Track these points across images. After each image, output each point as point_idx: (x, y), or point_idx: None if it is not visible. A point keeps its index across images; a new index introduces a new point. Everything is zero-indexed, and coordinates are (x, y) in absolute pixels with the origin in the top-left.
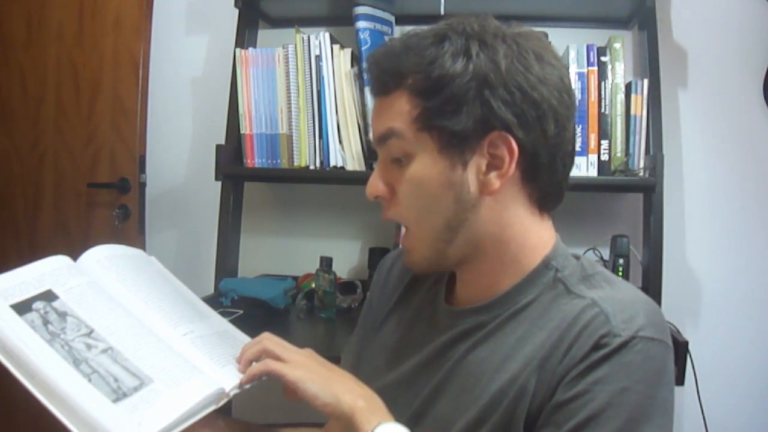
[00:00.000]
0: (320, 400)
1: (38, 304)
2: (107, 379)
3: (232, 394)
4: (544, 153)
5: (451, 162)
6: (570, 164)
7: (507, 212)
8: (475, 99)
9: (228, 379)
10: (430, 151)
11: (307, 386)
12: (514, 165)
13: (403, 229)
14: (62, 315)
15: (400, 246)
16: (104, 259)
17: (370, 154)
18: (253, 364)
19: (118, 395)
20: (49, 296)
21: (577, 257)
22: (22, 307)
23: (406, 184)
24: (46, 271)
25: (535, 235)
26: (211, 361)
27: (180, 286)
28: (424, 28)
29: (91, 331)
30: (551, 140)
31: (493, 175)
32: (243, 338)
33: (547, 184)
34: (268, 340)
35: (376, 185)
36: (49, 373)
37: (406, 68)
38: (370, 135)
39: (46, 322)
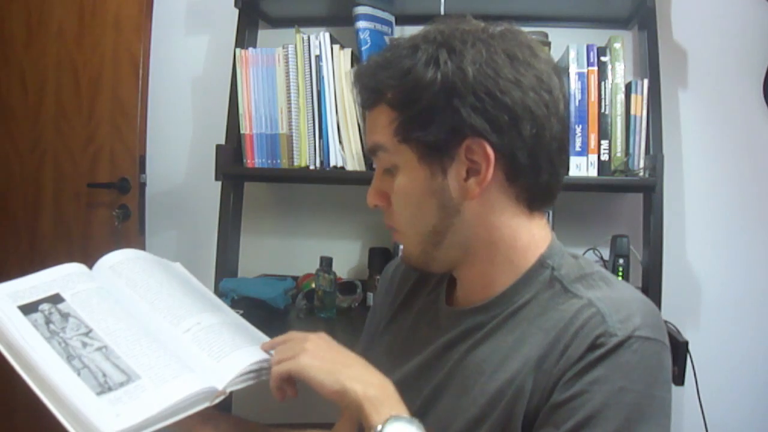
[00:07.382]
0: (326, 388)
1: (44, 306)
2: (96, 374)
3: (228, 390)
4: (523, 155)
5: (431, 171)
6: (560, 163)
7: (493, 214)
8: (445, 108)
9: (224, 375)
10: (411, 162)
11: (312, 374)
12: (491, 170)
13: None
14: (65, 316)
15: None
16: (117, 264)
17: (369, 155)
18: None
19: (103, 389)
20: (55, 299)
21: (575, 256)
22: (28, 308)
23: (395, 194)
24: (58, 277)
25: (525, 235)
26: (209, 356)
27: (200, 286)
28: (406, 37)
29: (90, 331)
30: (529, 141)
31: (472, 181)
32: (255, 332)
33: (531, 184)
34: (283, 347)
35: (372, 196)
36: (43, 366)
37: (384, 83)
38: None
39: (48, 322)
